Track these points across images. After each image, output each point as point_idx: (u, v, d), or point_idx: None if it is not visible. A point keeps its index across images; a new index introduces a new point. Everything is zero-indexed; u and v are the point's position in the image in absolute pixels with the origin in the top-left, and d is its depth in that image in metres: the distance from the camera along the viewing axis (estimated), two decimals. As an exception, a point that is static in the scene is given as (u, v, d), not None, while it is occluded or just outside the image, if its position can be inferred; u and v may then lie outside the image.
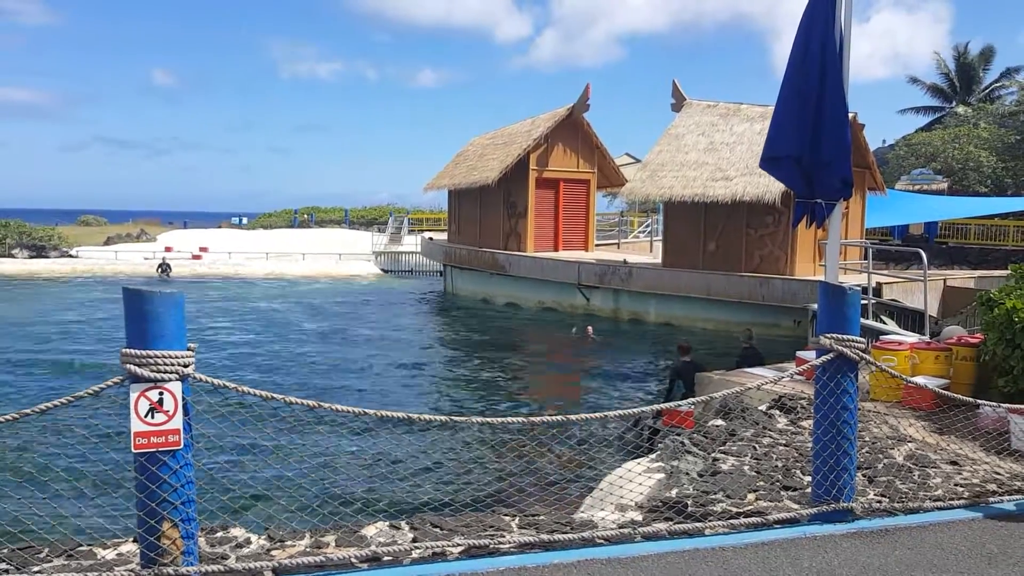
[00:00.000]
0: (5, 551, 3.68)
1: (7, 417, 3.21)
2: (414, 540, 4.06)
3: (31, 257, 41.42)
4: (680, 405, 6.44)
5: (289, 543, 3.97)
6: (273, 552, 3.86)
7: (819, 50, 5.98)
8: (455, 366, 18.81)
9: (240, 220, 70.01)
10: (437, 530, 4.25)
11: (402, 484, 9.34)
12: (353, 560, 3.72)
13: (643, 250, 31.56)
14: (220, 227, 62.83)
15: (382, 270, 42.04)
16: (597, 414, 4.45)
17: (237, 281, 36.37)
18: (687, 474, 6.26)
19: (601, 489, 6.59)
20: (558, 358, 20.24)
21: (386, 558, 3.82)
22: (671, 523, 4.39)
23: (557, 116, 27.89)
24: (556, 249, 28.44)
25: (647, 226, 37.84)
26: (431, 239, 35.85)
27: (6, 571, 3.51)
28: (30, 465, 8.73)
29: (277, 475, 8.78)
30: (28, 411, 3.20)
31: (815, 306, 5.27)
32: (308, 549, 3.91)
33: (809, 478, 4.86)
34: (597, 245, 30.62)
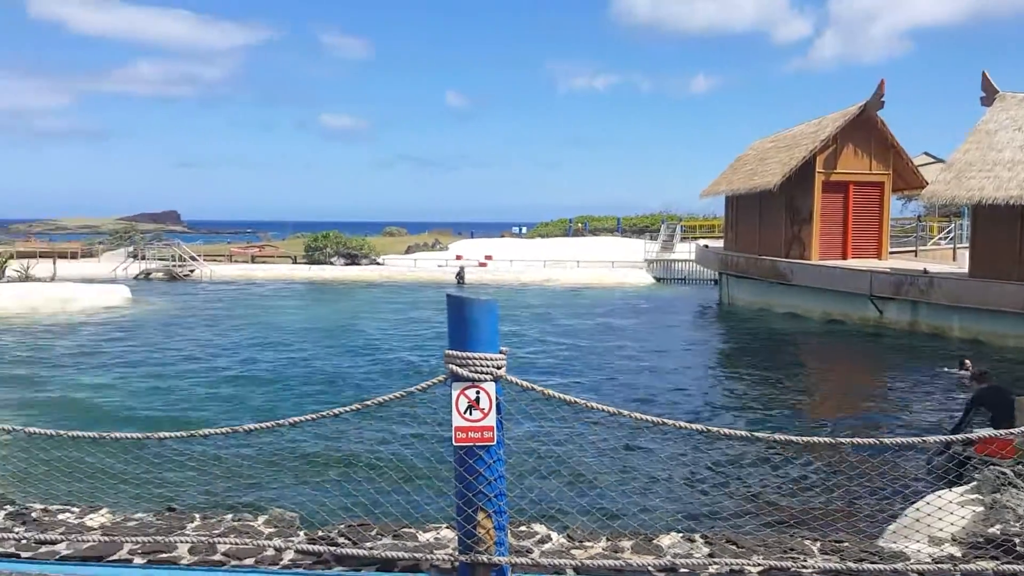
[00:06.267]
0: (343, 527, 4.17)
1: (354, 407, 3.65)
2: (710, 555, 4.01)
3: (346, 264, 47.69)
4: (1003, 434, 5.76)
5: (588, 544, 4.10)
6: (573, 551, 4.00)
7: None
8: (745, 378, 18.13)
9: (520, 230, 73.86)
10: (733, 547, 4.16)
11: (696, 495, 9.24)
12: (650, 568, 3.75)
13: (945, 258, 28.70)
14: (502, 236, 66.72)
15: (655, 278, 42.00)
16: (914, 439, 4.10)
17: (518, 287, 38.30)
18: (1012, 510, 5.57)
19: (907, 516, 6.06)
20: (849, 373, 18.91)
21: (683, 570, 3.81)
22: (998, 563, 3.93)
23: (847, 115, 26.17)
24: (844, 257, 26.67)
25: (949, 232, 34.33)
26: (706, 247, 35.20)
27: (343, 544, 3.97)
28: (360, 453, 9.75)
29: (575, 474, 9.02)
30: (369, 402, 3.61)
31: None
32: (605, 551, 4.01)
33: None
34: (891, 253, 28.30)
